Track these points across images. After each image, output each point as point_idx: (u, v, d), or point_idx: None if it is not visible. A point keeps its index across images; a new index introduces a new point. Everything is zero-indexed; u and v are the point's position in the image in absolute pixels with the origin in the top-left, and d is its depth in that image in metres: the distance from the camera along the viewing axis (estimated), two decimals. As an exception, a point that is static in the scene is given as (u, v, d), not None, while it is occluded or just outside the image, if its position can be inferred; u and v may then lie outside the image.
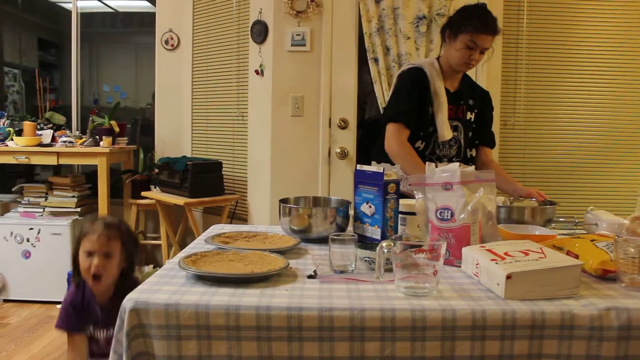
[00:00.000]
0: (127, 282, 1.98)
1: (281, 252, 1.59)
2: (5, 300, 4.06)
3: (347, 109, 3.60)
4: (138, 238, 1.94)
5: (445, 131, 2.46)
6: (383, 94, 3.45)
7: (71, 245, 3.99)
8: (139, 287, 1.30)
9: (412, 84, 2.51)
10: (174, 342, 1.19)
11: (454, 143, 2.54)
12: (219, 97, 4.20)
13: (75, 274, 1.99)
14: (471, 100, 2.60)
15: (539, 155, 3.76)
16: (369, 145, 2.93)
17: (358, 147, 3.63)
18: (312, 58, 3.59)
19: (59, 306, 3.78)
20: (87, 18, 4.84)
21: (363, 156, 3.55)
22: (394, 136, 2.45)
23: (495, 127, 3.33)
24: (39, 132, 4.12)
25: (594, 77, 3.72)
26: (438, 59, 2.57)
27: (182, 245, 4.28)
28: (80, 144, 4.05)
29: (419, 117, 2.48)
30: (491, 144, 2.71)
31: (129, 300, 1.21)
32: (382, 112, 2.70)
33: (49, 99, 4.62)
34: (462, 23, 2.39)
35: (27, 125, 4.06)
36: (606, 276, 1.42)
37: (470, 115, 2.59)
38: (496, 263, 1.32)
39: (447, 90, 2.51)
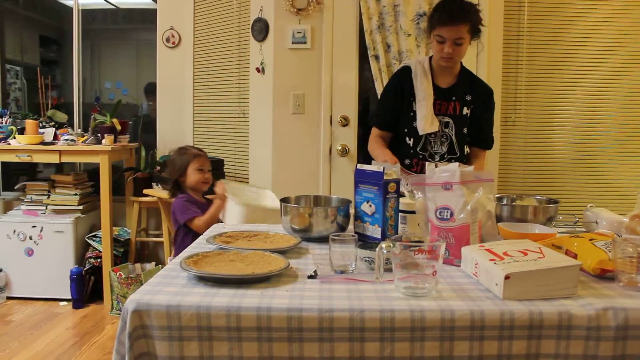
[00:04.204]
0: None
1: (282, 252, 1.61)
2: (9, 298, 4.09)
3: (348, 107, 3.61)
4: None
5: (425, 124, 2.51)
6: (384, 91, 3.46)
7: (74, 243, 4.04)
8: (141, 288, 1.32)
9: (393, 85, 2.65)
10: (176, 343, 1.20)
11: (445, 139, 2.57)
12: (220, 95, 4.21)
13: (176, 188, 3.02)
14: (469, 95, 2.61)
15: (540, 153, 3.76)
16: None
17: (360, 144, 3.64)
18: (312, 55, 3.59)
19: (62, 303, 3.85)
20: (89, 14, 4.84)
21: (367, 153, 3.56)
22: (370, 139, 2.69)
23: (496, 124, 3.33)
24: (41, 131, 4.13)
25: (594, 74, 3.72)
26: (431, 57, 2.63)
27: (184, 242, 4.29)
28: (82, 142, 4.06)
29: (402, 114, 2.59)
30: (482, 144, 2.71)
31: (131, 302, 1.22)
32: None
33: (51, 97, 4.63)
34: (430, 19, 2.49)
35: (29, 123, 4.07)
36: (604, 275, 1.43)
37: (466, 111, 2.60)
38: (495, 263, 1.33)
39: (437, 87, 2.56)
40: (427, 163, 1.70)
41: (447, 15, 2.38)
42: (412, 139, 2.56)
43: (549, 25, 3.68)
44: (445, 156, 2.57)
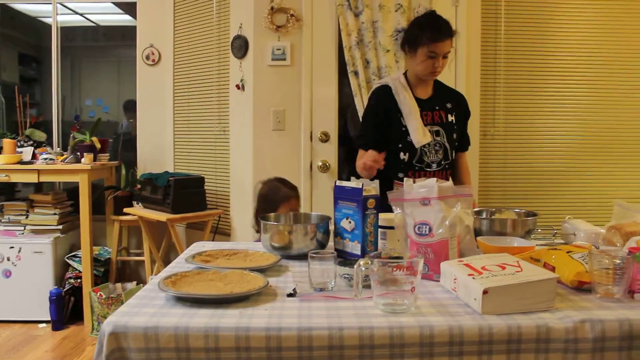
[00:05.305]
0: None
1: (261, 270, 1.60)
2: (-13, 321, 4.02)
3: (328, 122, 3.62)
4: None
5: (418, 136, 2.54)
6: (363, 107, 3.47)
7: (53, 263, 3.99)
8: (119, 309, 1.30)
9: (375, 105, 2.67)
10: (154, 364, 1.19)
11: (439, 148, 2.60)
12: (201, 112, 4.21)
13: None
14: (449, 103, 2.68)
15: (519, 165, 3.79)
16: (353, 159, 2.98)
17: (340, 160, 3.65)
18: (292, 72, 3.61)
19: (41, 325, 3.79)
20: (69, 32, 4.83)
21: (347, 169, 3.59)
22: (358, 161, 2.59)
23: (475, 137, 3.36)
24: (19, 150, 4.10)
25: (572, 86, 3.77)
26: (405, 73, 2.67)
27: (165, 261, 4.26)
28: (61, 161, 4.03)
29: (393, 132, 2.58)
30: (465, 147, 2.81)
31: (108, 324, 1.20)
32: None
33: (29, 115, 4.59)
34: (417, 36, 2.51)
35: (7, 142, 4.04)
36: (582, 287, 1.44)
37: (451, 118, 2.66)
38: (473, 278, 1.34)
39: (419, 99, 2.61)
40: (405, 179, 1.71)
41: (439, 32, 2.46)
42: (407, 154, 2.57)
43: (526, 39, 3.73)
44: (442, 163, 2.61)
